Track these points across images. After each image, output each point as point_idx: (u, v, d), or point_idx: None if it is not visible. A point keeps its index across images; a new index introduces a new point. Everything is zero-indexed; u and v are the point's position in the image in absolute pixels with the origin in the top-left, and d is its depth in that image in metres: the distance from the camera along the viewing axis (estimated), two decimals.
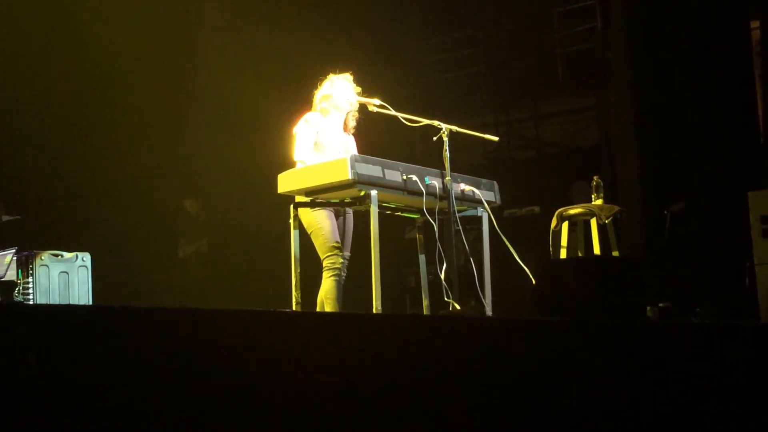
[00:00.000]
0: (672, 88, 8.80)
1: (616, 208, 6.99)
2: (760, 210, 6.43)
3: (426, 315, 6.24)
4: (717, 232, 8.26)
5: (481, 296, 5.96)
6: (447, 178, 5.77)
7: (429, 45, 12.04)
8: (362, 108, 6.20)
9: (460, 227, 5.83)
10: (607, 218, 6.88)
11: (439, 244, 5.71)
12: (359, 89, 6.26)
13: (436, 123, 5.90)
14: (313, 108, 6.28)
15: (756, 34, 8.82)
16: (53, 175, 9.55)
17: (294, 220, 5.85)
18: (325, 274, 5.88)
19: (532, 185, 11.10)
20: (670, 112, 8.83)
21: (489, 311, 5.95)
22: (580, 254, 7.10)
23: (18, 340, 2.51)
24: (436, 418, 3.26)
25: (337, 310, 5.80)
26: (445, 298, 5.78)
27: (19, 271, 7.21)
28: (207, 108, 10.66)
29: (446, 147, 5.83)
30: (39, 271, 7.20)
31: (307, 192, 5.72)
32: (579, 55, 11.06)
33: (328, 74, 6.30)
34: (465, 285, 6.00)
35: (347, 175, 5.36)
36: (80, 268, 7.40)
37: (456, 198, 5.84)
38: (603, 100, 10.72)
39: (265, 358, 2.95)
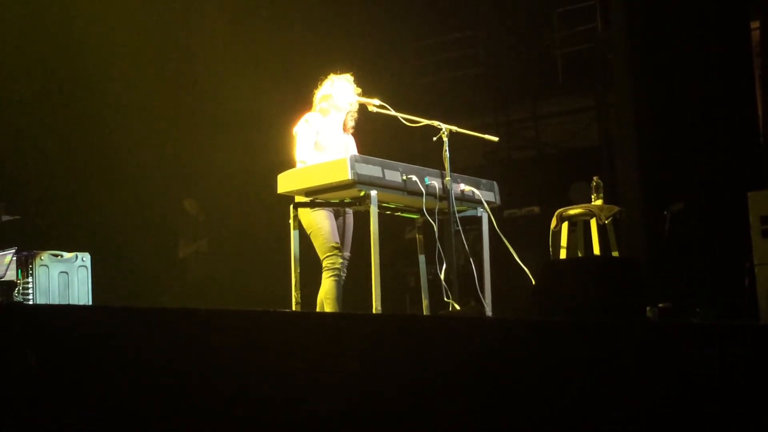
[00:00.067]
0: (672, 89, 8.80)
1: (616, 209, 6.99)
2: (759, 210, 6.42)
3: (426, 315, 6.24)
4: (717, 232, 8.26)
5: (481, 296, 5.96)
6: (447, 179, 5.77)
7: (429, 45, 12.04)
8: (362, 108, 6.20)
9: (460, 227, 5.84)
10: (606, 218, 6.88)
11: (438, 244, 5.71)
12: (359, 90, 6.26)
13: (435, 123, 5.90)
14: (312, 108, 6.28)
15: (756, 35, 8.82)
16: (53, 176, 9.55)
17: (294, 221, 5.85)
18: (325, 275, 5.89)
19: (532, 185, 11.10)
20: (670, 112, 8.83)
21: (489, 311, 5.95)
22: (579, 255, 7.10)
23: (18, 340, 2.51)
24: (436, 418, 3.26)
25: (337, 311, 5.80)
26: (445, 299, 5.78)
27: (19, 271, 7.21)
28: (207, 108, 10.66)
29: (446, 147, 5.83)
30: (39, 271, 7.20)
31: (307, 192, 5.72)
32: (579, 55, 11.06)
33: (329, 74, 6.31)
34: (465, 285, 6.00)
35: (347, 175, 5.36)
36: (80, 268, 7.40)
37: (456, 198, 5.84)
38: (603, 101, 10.73)
39: (264, 358, 2.95)
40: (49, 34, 9.40)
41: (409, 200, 5.80)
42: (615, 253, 7.05)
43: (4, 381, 2.45)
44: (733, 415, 3.95)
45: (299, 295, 5.73)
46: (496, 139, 6.49)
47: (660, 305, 6.54)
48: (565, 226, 7.03)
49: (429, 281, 6.45)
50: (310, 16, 10.66)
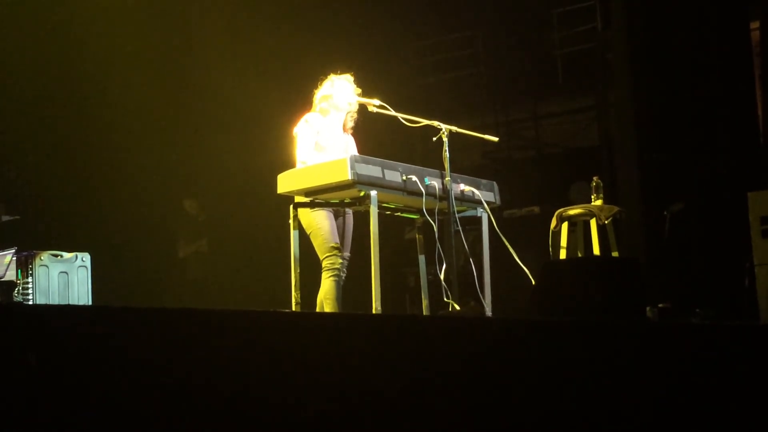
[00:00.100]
0: (672, 89, 8.81)
1: (616, 209, 6.99)
2: (759, 211, 6.43)
3: (425, 315, 6.24)
4: (716, 232, 8.26)
5: (481, 297, 5.96)
6: (447, 179, 5.77)
7: (429, 45, 12.04)
8: (362, 108, 6.20)
9: (460, 228, 5.84)
10: (606, 219, 6.88)
11: (438, 244, 5.70)
12: (359, 90, 6.26)
13: (435, 123, 5.90)
14: (312, 108, 6.28)
15: (756, 35, 8.82)
16: (53, 176, 9.55)
17: (293, 221, 5.84)
18: (325, 275, 5.88)
19: (532, 186, 11.10)
20: (670, 112, 8.83)
21: (488, 312, 5.95)
22: (579, 255, 7.10)
23: (18, 340, 2.51)
24: (436, 418, 3.27)
25: (337, 311, 5.80)
26: (445, 299, 5.78)
27: (19, 271, 7.21)
28: (207, 108, 10.66)
29: (446, 147, 5.83)
30: (38, 271, 7.20)
31: (307, 192, 5.72)
32: (579, 55, 11.06)
33: (329, 74, 6.30)
34: (464, 285, 6.01)
35: (347, 175, 5.36)
36: (80, 268, 7.41)
37: (456, 198, 5.84)
38: (603, 101, 10.73)
39: (264, 358, 2.95)
40: (49, 34, 9.40)
41: (408, 200, 5.80)
42: (615, 254, 7.05)
43: (4, 381, 2.45)
44: (733, 415, 3.95)
45: (299, 296, 5.73)
46: (495, 139, 6.48)
47: (660, 305, 6.54)
48: (564, 226, 7.04)
49: (429, 281, 6.45)
50: (310, 16, 10.66)
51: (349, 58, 6.97)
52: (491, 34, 11.71)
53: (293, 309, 5.70)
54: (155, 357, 2.72)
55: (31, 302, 7.08)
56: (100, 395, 2.58)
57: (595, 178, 7.11)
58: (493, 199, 6.21)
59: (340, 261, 5.89)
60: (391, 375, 3.23)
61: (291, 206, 5.86)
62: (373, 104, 6.05)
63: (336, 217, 6.02)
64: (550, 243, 7.08)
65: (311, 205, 5.84)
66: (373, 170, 5.49)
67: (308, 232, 5.92)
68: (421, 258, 6.52)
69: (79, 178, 9.78)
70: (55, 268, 7.29)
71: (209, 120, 10.71)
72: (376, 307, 5.40)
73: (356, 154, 6.07)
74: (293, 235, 5.82)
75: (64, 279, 7.31)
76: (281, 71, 10.09)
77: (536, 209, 10.20)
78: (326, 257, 5.87)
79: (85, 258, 7.43)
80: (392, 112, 5.98)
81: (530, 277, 5.93)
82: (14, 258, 7.24)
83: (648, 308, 6.12)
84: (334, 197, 5.73)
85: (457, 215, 5.80)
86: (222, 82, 10.35)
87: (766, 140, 8.72)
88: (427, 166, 5.87)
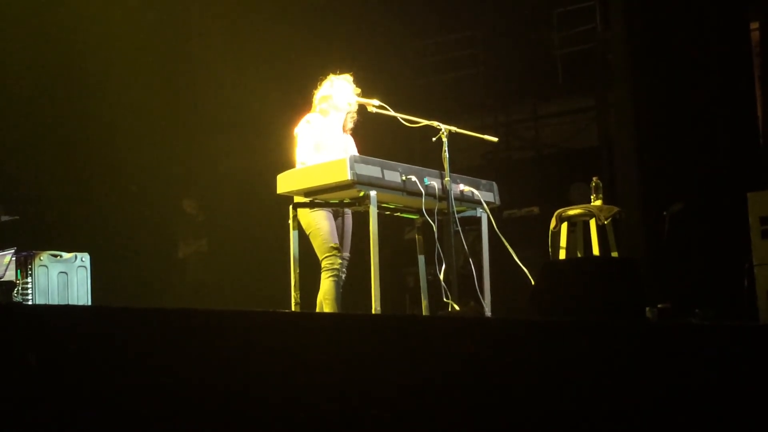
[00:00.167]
0: (672, 89, 8.81)
1: (616, 209, 6.99)
2: (759, 211, 6.43)
3: (425, 316, 6.24)
4: (716, 233, 8.26)
5: (480, 297, 5.96)
6: (446, 179, 5.77)
7: (428, 45, 12.04)
8: (362, 108, 6.20)
9: (459, 228, 5.83)
10: (606, 219, 6.88)
11: (438, 244, 5.70)
12: (359, 90, 6.26)
13: (435, 123, 5.90)
14: (312, 109, 6.28)
15: (755, 35, 8.82)
16: (52, 176, 9.56)
17: (293, 221, 5.84)
18: (324, 275, 5.88)
19: (532, 186, 11.09)
20: (670, 112, 8.83)
21: (488, 312, 5.95)
22: (579, 255, 7.10)
23: (17, 340, 2.51)
24: (436, 418, 3.27)
25: (336, 311, 5.80)
26: (444, 299, 5.78)
27: (18, 271, 7.21)
28: (206, 108, 10.66)
29: (445, 147, 5.83)
30: (38, 271, 7.20)
31: (306, 192, 5.72)
32: (579, 55, 11.05)
33: (328, 75, 6.30)
34: (464, 286, 6.00)
35: (346, 175, 5.36)
36: (79, 268, 7.40)
37: (455, 199, 5.84)
38: (602, 101, 10.72)
39: (264, 358, 2.95)
40: (49, 34, 9.40)
41: (408, 201, 5.80)
42: (614, 254, 7.05)
43: (4, 381, 2.45)
44: (733, 415, 3.95)
45: (298, 296, 5.73)
46: (495, 139, 6.49)
47: (659, 306, 6.54)
48: (564, 226, 7.03)
49: (428, 282, 6.45)
50: (310, 17, 10.66)
51: (349, 59, 6.98)
52: (491, 34, 11.70)
53: (292, 309, 5.70)
54: (155, 357, 2.72)
55: (30, 302, 7.08)
56: (100, 395, 2.58)
57: (594, 179, 7.11)
58: (492, 200, 6.21)
59: (340, 261, 5.89)
60: (391, 375, 3.23)
61: (290, 206, 5.86)
62: (373, 104, 6.04)
63: (335, 217, 6.01)
64: (550, 243, 7.08)
65: (311, 205, 5.84)
66: (372, 170, 5.49)
67: (308, 233, 5.92)
68: (421, 258, 6.52)
69: (78, 179, 9.78)
70: (55, 269, 7.29)
71: (209, 120, 10.71)
72: (375, 307, 5.40)
73: (356, 154, 6.07)
74: (293, 235, 5.82)
75: (63, 279, 7.31)
76: (281, 71, 10.09)
77: (536, 209, 10.20)
78: (325, 257, 5.87)
79: (85, 258, 7.43)
80: (392, 113, 5.98)
81: (530, 277, 5.93)
82: (14, 258, 7.24)
83: (647, 309, 6.11)
84: (334, 197, 5.73)
85: (456, 215, 5.80)
86: (222, 83, 10.35)
87: (765, 140, 8.72)
88: (426, 166, 5.87)
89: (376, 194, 5.47)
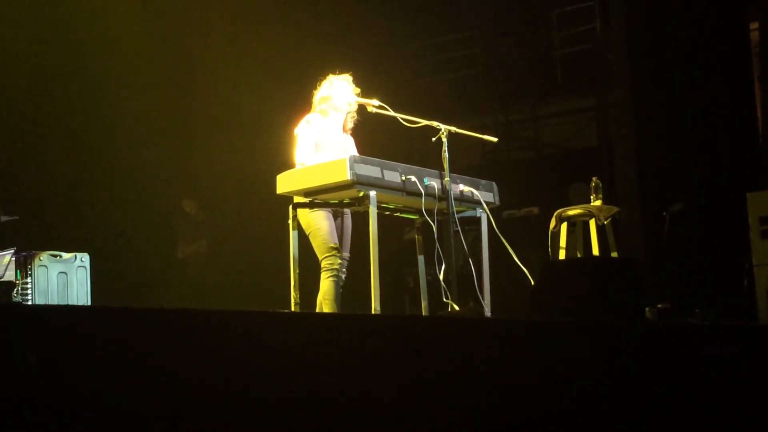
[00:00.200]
0: (671, 90, 8.81)
1: (615, 209, 7.00)
2: (759, 211, 6.43)
3: (425, 316, 6.24)
4: (716, 233, 8.26)
5: (480, 297, 5.96)
6: (446, 179, 5.77)
7: (428, 46, 12.04)
8: (361, 109, 6.20)
9: (459, 228, 5.83)
10: (606, 219, 6.88)
11: (438, 244, 5.70)
12: (358, 90, 6.26)
13: (435, 124, 5.90)
14: (312, 109, 6.28)
15: (755, 36, 8.82)
16: (52, 176, 9.56)
17: (293, 221, 5.84)
18: (324, 275, 5.88)
19: (531, 186, 11.09)
20: (669, 113, 8.83)
21: (488, 312, 5.95)
22: (578, 255, 7.10)
23: (17, 340, 2.51)
24: (436, 418, 3.27)
25: (336, 311, 5.80)
26: (444, 299, 5.78)
27: (18, 271, 7.21)
28: (206, 108, 10.65)
29: (445, 148, 5.83)
30: (38, 271, 7.19)
31: (306, 193, 5.72)
32: (578, 56, 11.06)
33: (327, 75, 6.30)
34: (464, 286, 6.01)
35: (346, 175, 5.36)
36: (79, 268, 7.40)
37: (455, 199, 5.84)
38: (602, 101, 10.72)
39: (263, 358, 2.95)
40: (49, 33, 9.40)
41: (408, 201, 5.80)
42: (614, 254, 7.05)
43: (4, 381, 2.45)
44: (733, 416, 3.95)
45: (298, 296, 5.73)
46: (495, 139, 6.49)
47: (659, 306, 6.54)
48: (564, 226, 7.04)
49: (428, 282, 6.45)
50: (310, 17, 10.66)
51: (349, 58, 6.98)
52: (491, 34, 11.71)
53: (292, 309, 5.70)
54: (154, 357, 2.72)
55: (30, 302, 7.08)
56: (100, 395, 2.58)
57: (594, 179, 7.11)
58: (492, 200, 6.21)
59: (339, 261, 5.90)
60: (391, 375, 3.23)
61: (290, 206, 5.86)
62: (373, 104, 6.04)
63: (335, 217, 6.01)
64: (550, 243, 7.08)
65: (310, 205, 5.84)
66: (372, 170, 5.49)
67: (307, 233, 5.92)
68: (421, 258, 6.52)
69: (78, 179, 9.78)
70: (54, 269, 7.29)
71: (209, 120, 10.71)
72: (375, 307, 5.40)
73: (356, 154, 6.07)
74: (292, 235, 5.82)
75: (63, 279, 7.31)
76: (281, 71, 10.09)
77: (535, 210, 10.20)
78: (325, 257, 5.87)
79: (84, 258, 7.43)
80: (391, 113, 5.98)
81: (529, 277, 5.93)
82: (13, 258, 7.24)
83: (647, 309, 6.12)
84: (334, 197, 5.73)
85: (456, 216, 5.80)
86: (222, 83, 10.35)
87: (765, 141, 8.72)
88: (426, 166, 5.87)
89: (376, 194, 5.47)
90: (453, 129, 5.92)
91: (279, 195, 5.82)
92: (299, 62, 9.49)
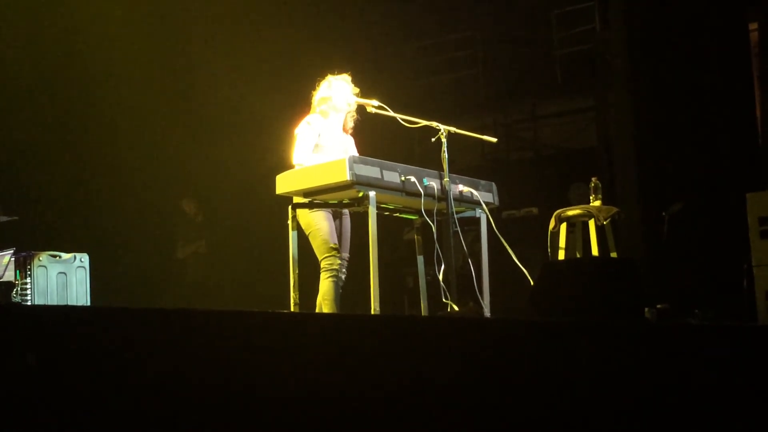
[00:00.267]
0: (670, 90, 8.81)
1: (615, 210, 7.00)
2: (758, 211, 6.43)
3: (424, 316, 6.23)
4: (715, 233, 8.27)
5: (480, 297, 5.95)
6: (445, 179, 5.77)
7: (427, 46, 12.04)
8: (361, 109, 6.20)
9: (459, 228, 5.83)
10: (605, 219, 6.88)
11: (437, 245, 5.70)
12: (357, 89, 6.26)
13: (434, 124, 5.90)
14: (312, 110, 6.27)
15: (754, 36, 8.83)
16: (51, 176, 9.56)
17: (292, 221, 5.84)
18: (323, 275, 5.88)
19: (531, 186, 11.09)
20: (669, 113, 8.84)
21: (487, 312, 5.95)
22: (578, 255, 7.10)
23: (16, 340, 2.51)
24: (435, 418, 3.27)
25: (335, 312, 5.79)
26: (444, 300, 5.78)
27: (17, 271, 7.22)
28: (205, 109, 10.65)
29: (444, 148, 5.82)
30: (37, 272, 7.20)
31: (306, 193, 5.72)
32: (577, 56, 11.06)
33: (326, 75, 6.30)
34: (463, 286, 6.00)
35: (345, 176, 5.36)
36: (78, 269, 7.40)
37: (454, 199, 5.83)
38: (601, 102, 10.73)
39: (263, 359, 2.95)
40: (49, 34, 9.40)
41: (407, 201, 5.79)
42: (613, 254, 7.05)
43: (4, 381, 2.45)
44: (732, 416, 3.95)
45: (297, 296, 5.73)
46: (494, 140, 6.49)
47: (658, 306, 6.54)
48: (563, 227, 7.04)
49: (427, 282, 6.45)
50: (309, 18, 10.66)
51: (349, 59, 6.97)
52: (490, 35, 11.71)
53: (292, 310, 5.70)
54: (154, 358, 2.72)
55: (29, 303, 7.08)
56: (99, 395, 2.58)
57: (593, 179, 7.11)
58: (491, 200, 6.21)
59: (339, 262, 5.89)
60: (390, 376, 3.23)
61: (289, 207, 5.86)
62: (372, 105, 6.04)
63: (334, 218, 6.01)
64: (549, 244, 7.08)
65: (310, 205, 5.84)
66: (371, 171, 5.49)
67: (307, 233, 5.92)
68: (420, 259, 6.52)
69: (77, 179, 9.78)
70: (54, 269, 7.29)
71: (208, 120, 10.71)
72: (374, 307, 5.40)
73: (356, 154, 6.07)
74: (292, 235, 5.82)
75: (62, 280, 7.31)
76: (281, 72, 10.09)
77: (535, 210, 10.20)
78: (325, 258, 5.87)
79: (84, 259, 7.43)
80: (391, 113, 5.98)
81: (529, 277, 5.93)
82: (13, 258, 7.24)
83: (646, 309, 6.11)
84: (333, 198, 5.73)
85: (455, 216, 5.79)
86: (221, 83, 10.35)
87: (764, 141, 8.72)
88: (425, 166, 5.87)
89: (375, 195, 5.47)
90: (452, 129, 5.92)
91: (278, 195, 5.82)
92: (299, 62, 9.49)
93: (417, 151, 9.76)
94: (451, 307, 5.68)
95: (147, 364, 2.69)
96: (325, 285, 5.85)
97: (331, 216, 5.97)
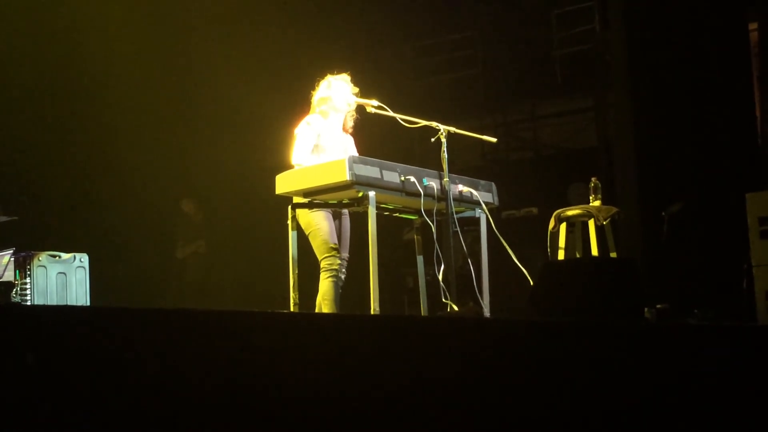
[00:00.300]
0: (670, 90, 8.81)
1: (614, 210, 7.00)
2: (757, 211, 6.42)
3: (424, 316, 6.24)
4: (715, 233, 8.27)
5: (479, 297, 5.96)
6: (445, 180, 5.77)
7: (427, 46, 12.04)
8: (360, 109, 6.20)
9: (458, 228, 5.83)
10: (605, 219, 6.88)
11: (437, 245, 5.71)
12: (357, 89, 6.26)
13: (434, 124, 5.90)
14: (311, 110, 6.27)
15: (754, 36, 8.83)
16: (51, 176, 9.56)
17: (292, 221, 5.84)
18: (323, 275, 5.88)
19: (530, 186, 11.09)
20: (668, 113, 8.84)
21: (487, 312, 5.95)
22: (578, 256, 7.10)
23: (16, 340, 2.51)
24: (435, 419, 3.27)
25: (335, 312, 5.79)
26: (443, 300, 5.78)
27: (17, 272, 7.22)
28: (205, 109, 10.66)
29: (444, 148, 5.83)
30: (37, 272, 7.20)
31: (305, 193, 5.72)
32: (577, 56, 11.06)
33: (326, 75, 6.30)
34: (463, 286, 6.01)
35: (345, 176, 5.36)
36: (78, 269, 7.41)
37: (454, 199, 5.84)
38: (601, 102, 10.73)
39: (262, 359, 2.95)
40: (49, 34, 9.40)
41: (407, 201, 5.80)
42: (613, 254, 7.05)
43: (3, 381, 2.45)
44: (731, 416, 3.95)
45: (297, 296, 5.73)
46: (494, 140, 6.49)
47: (658, 306, 6.54)
48: (563, 227, 7.04)
49: (427, 282, 6.45)
50: (309, 18, 10.66)
51: (348, 59, 6.98)
52: (489, 34, 11.70)
53: (291, 309, 5.70)
54: (153, 358, 2.72)
55: (29, 303, 7.08)
56: (99, 396, 2.58)
57: (593, 179, 7.11)
58: (491, 200, 6.21)
59: (339, 262, 5.90)
60: (390, 376, 3.23)
61: (289, 207, 5.86)
62: (372, 105, 6.04)
63: (334, 218, 6.01)
64: (549, 244, 7.08)
65: (309, 205, 5.84)
66: (371, 171, 5.49)
67: (307, 233, 5.92)
68: (420, 259, 6.52)
69: (77, 179, 9.78)
70: (53, 269, 7.29)
71: (207, 121, 10.71)
72: (374, 307, 5.40)
73: (355, 154, 6.07)
74: (291, 235, 5.82)
75: (62, 280, 7.31)
76: (280, 72, 10.09)
77: (534, 210, 10.20)
78: (325, 258, 5.87)
79: (83, 259, 7.43)
80: (390, 113, 5.98)
81: (528, 277, 5.93)
82: (12, 259, 7.24)
83: (646, 309, 6.12)
84: (333, 198, 5.73)
85: (455, 216, 5.79)
86: (221, 83, 10.35)
87: (764, 141, 8.72)
88: (425, 166, 5.87)
89: (375, 195, 5.48)
90: (452, 129, 5.92)
91: (278, 195, 5.82)
92: (299, 62, 9.50)
93: (417, 151, 9.75)
94: (451, 307, 5.69)
95: (146, 364, 2.69)
96: (325, 285, 5.85)
97: (330, 216, 5.97)
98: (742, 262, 6.86)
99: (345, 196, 5.66)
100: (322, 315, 5.38)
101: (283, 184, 5.73)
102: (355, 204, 5.72)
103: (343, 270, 5.98)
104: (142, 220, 10.12)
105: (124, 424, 2.60)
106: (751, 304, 6.48)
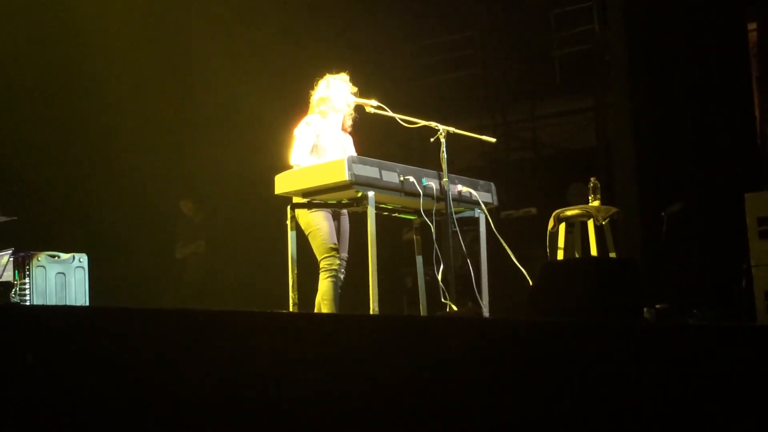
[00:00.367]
0: (669, 90, 8.81)
1: (614, 210, 7.00)
2: (756, 212, 6.43)
3: (423, 316, 6.24)
4: (714, 233, 8.27)
5: (478, 297, 5.96)
6: (444, 180, 5.77)
7: (427, 46, 12.03)
8: (359, 108, 6.20)
9: (458, 228, 5.83)
10: (604, 219, 6.88)
11: (436, 245, 5.71)
12: (356, 89, 6.26)
13: (433, 124, 5.90)
14: (310, 110, 6.27)
15: (753, 36, 8.83)
16: (50, 176, 9.56)
17: (291, 222, 5.84)
18: (322, 275, 5.88)
19: (530, 186, 11.10)
20: (668, 113, 8.84)
21: (486, 312, 5.95)
22: (577, 256, 7.10)
23: (15, 340, 2.51)
24: (435, 418, 3.27)
25: (334, 312, 5.80)
26: (442, 300, 5.78)
27: (16, 272, 7.22)
28: (204, 109, 10.66)
29: (443, 148, 5.83)
30: (36, 272, 7.20)
31: (305, 193, 5.72)
32: (577, 56, 11.05)
33: (325, 75, 6.30)
34: (462, 286, 6.01)
35: (344, 176, 5.36)
36: (77, 269, 7.40)
37: (453, 199, 5.84)
38: (600, 102, 10.72)
39: (262, 359, 2.95)
40: (48, 33, 9.40)
41: (406, 201, 5.80)
42: (612, 254, 7.05)
43: (2, 381, 2.45)
44: (730, 416, 3.95)
45: (296, 296, 5.73)
46: (493, 140, 6.49)
47: (657, 306, 6.54)
48: (562, 227, 7.04)
49: (426, 282, 6.45)
50: (308, 18, 10.66)
51: (347, 59, 6.97)
52: (489, 35, 11.70)
53: (291, 309, 5.70)
54: (152, 358, 2.72)
55: (28, 303, 7.08)
56: (98, 395, 2.58)
57: (592, 179, 7.12)
58: (490, 200, 6.21)
59: (338, 262, 5.90)
60: (389, 376, 3.23)
61: (288, 207, 5.86)
62: (371, 105, 6.05)
63: (333, 218, 6.01)
64: (548, 244, 7.08)
65: (309, 206, 5.84)
66: (370, 171, 5.49)
67: (307, 233, 5.92)
68: (419, 259, 6.52)
69: (76, 179, 9.78)
70: (53, 269, 7.29)
71: (206, 121, 10.71)
72: (373, 307, 5.40)
73: (354, 154, 6.07)
74: (290, 236, 5.82)
75: (61, 280, 7.31)
76: (279, 72, 10.09)
77: (534, 210, 10.20)
78: (324, 258, 5.87)
79: (83, 259, 7.43)
80: (390, 113, 5.98)
81: (528, 277, 5.93)
82: (11, 259, 7.24)
83: (645, 309, 6.12)
84: (332, 198, 5.74)
85: (454, 216, 5.80)
86: (220, 83, 10.36)
87: (763, 141, 8.72)
88: (424, 166, 5.87)
89: (374, 195, 5.48)
90: (451, 129, 5.92)
91: (277, 195, 5.82)
92: (298, 62, 9.49)
93: (416, 151, 9.75)
94: (450, 307, 5.69)
95: (146, 364, 2.69)
96: (324, 285, 5.86)
97: (330, 216, 5.97)
98: (741, 262, 6.86)
99: (344, 196, 5.66)
100: (321, 315, 5.38)
101: (283, 184, 5.73)
102: (355, 204, 5.73)
103: (343, 270, 5.98)
104: (141, 220, 10.12)
105: (124, 424, 2.60)
106: (751, 304, 6.49)
